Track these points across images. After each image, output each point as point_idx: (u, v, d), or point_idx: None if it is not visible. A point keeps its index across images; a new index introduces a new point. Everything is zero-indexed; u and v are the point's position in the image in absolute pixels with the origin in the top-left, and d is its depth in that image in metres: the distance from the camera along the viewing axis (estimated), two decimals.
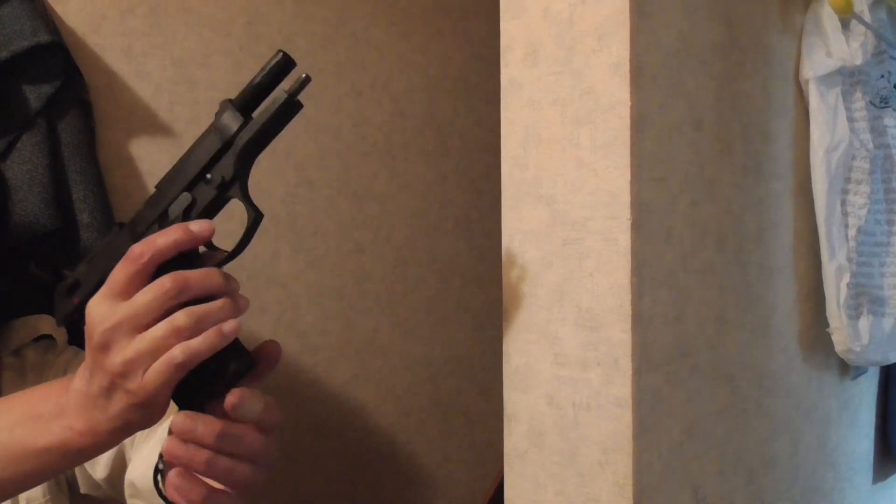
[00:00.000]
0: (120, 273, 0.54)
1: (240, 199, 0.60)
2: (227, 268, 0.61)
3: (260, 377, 0.61)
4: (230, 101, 0.60)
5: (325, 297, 1.54)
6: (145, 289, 0.54)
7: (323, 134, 1.51)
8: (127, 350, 0.53)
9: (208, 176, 0.59)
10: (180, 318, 0.53)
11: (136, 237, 0.59)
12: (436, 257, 1.76)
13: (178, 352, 0.53)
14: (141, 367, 0.53)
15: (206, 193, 0.60)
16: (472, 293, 1.86)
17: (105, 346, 0.53)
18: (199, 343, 0.53)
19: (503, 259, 0.79)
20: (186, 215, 0.59)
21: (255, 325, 1.43)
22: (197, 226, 0.56)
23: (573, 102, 0.71)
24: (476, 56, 1.83)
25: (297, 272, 1.48)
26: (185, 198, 0.59)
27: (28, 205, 1.04)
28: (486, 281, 1.88)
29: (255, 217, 0.61)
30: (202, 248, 0.61)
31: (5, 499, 0.58)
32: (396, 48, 1.65)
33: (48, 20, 1.13)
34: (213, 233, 0.57)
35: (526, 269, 0.76)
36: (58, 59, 1.10)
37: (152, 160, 1.28)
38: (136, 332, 0.53)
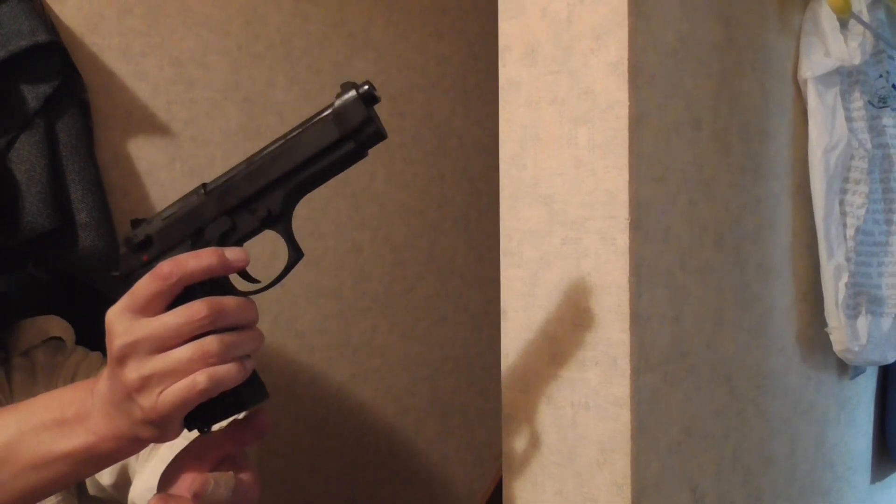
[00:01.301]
0: (144, 289, 0.52)
1: (282, 236, 0.58)
2: None
3: (246, 444, 0.59)
4: (357, 91, 0.57)
5: (323, 296, 1.54)
6: (178, 310, 0.52)
7: None
8: (144, 367, 0.52)
9: (253, 206, 0.57)
10: (213, 344, 0.52)
11: (224, 209, 0.56)
12: (434, 257, 1.76)
13: (202, 378, 0.51)
14: (158, 387, 0.52)
15: (248, 223, 0.57)
16: (471, 293, 1.86)
17: (122, 360, 0.52)
18: (225, 373, 0.52)
19: (501, 259, 0.79)
20: (222, 241, 0.57)
21: None
22: (232, 254, 0.55)
23: (571, 102, 0.71)
24: (474, 56, 1.83)
25: (295, 272, 1.47)
26: (225, 222, 0.57)
27: (26, 204, 1.04)
28: (485, 280, 1.87)
29: (296, 258, 0.61)
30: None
31: None
32: (394, 48, 1.65)
33: (46, 20, 1.12)
34: (247, 263, 0.55)
35: (524, 268, 0.76)
36: (56, 58, 1.10)
37: (150, 159, 1.28)
38: (156, 351, 0.52)
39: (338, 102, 0.57)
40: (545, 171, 0.73)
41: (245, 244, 0.59)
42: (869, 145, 0.98)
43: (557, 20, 0.72)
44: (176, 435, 0.55)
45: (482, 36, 1.84)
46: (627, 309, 0.67)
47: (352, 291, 1.60)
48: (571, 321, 0.72)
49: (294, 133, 0.57)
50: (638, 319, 0.68)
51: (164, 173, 1.28)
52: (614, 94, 0.67)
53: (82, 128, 1.14)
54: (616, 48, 0.67)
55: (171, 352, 0.52)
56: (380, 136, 0.58)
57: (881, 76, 1.02)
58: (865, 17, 0.94)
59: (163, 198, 1.26)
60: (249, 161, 0.57)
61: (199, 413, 0.55)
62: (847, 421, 1.10)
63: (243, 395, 0.55)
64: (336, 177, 0.59)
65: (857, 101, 0.98)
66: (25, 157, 1.06)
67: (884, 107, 1.02)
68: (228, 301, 0.54)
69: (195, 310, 0.52)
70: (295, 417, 1.51)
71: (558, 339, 0.73)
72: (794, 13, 0.94)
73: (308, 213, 1.50)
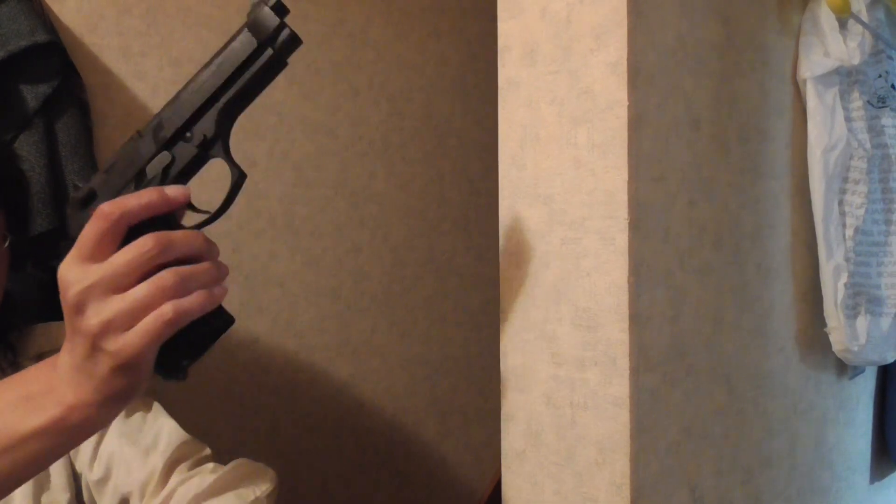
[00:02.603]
0: (89, 233, 0.52)
1: (223, 159, 0.59)
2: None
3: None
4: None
5: (322, 296, 1.54)
6: (125, 249, 0.52)
7: (320, 134, 1.51)
8: (104, 310, 0.51)
9: (188, 134, 0.57)
10: (168, 277, 0.52)
11: (160, 144, 0.57)
12: (433, 257, 1.76)
13: (168, 308, 0.51)
14: (121, 327, 0.51)
15: (186, 152, 0.58)
16: (470, 293, 1.86)
17: (80, 308, 0.51)
18: (191, 303, 0.52)
19: (500, 258, 0.79)
20: (165, 175, 0.57)
21: (253, 325, 1.43)
22: (172, 190, 0.55)
23: (571, 102, 0.71)
24: (473, 56, 1.83)
25: (294, 272, 1.48)
26: (165, 157, 0.57)
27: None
28: (484, 280, 1.87)
29: (239, 177, 0.60)
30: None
31: (4, 493, 0.55)
32: (394, 48, 1.65)
33: (45, 20, 1.12)
34: (188, 198, 0.55)
35: (523, 268, 0.76)
36: (55, 58, 1.10)
37: None
38: (112, 292, 0.51)
39: (251, 16, 0.58)
40: (544, 171, 0.73)
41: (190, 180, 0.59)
42: (868, 145, 0.98)
43: (557, 20, 0.72)
44: (146, 380, 0.55)
45: (481, 36, 1.84)
46: (627, 309, 0.67)
47: (351, 291, 1.60)
48: (570, 321, 0.72)
49: (215, 55, 0.59)
50: (637, 319, 0.68)
51: None
52: (614, 94, 0.67)
53: (82, 128, 1.14)
54: (615, 48, 0.67)
55: (129, 291, 0.51)
56: (296, 40, 0.59)
57: (880, 76, 1.02)
58: (864, 16, 0.94)
59: None
60: (177, 93, 0.59)
61: (169, 352, 0.55)
62: (846, 421, 1.10)
63: (210, 325, 0.56)
64: (262, 91, 0.60)
65: (857, 102, 0.98)
66: (25, 158, 1.06)
67: (883, 107, 1.02)
68: (174, 233, 0.53)
69: (142, 242, 0.52)
70: (294, 417, 1.51)
71: (557, 339, 0.73)
72: (794, 13, 0.94)
73: (307, 212, 1.50)
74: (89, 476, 0.88)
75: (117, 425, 0.89)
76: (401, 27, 1.66)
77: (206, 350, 0.56)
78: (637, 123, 0.68)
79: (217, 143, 0.58)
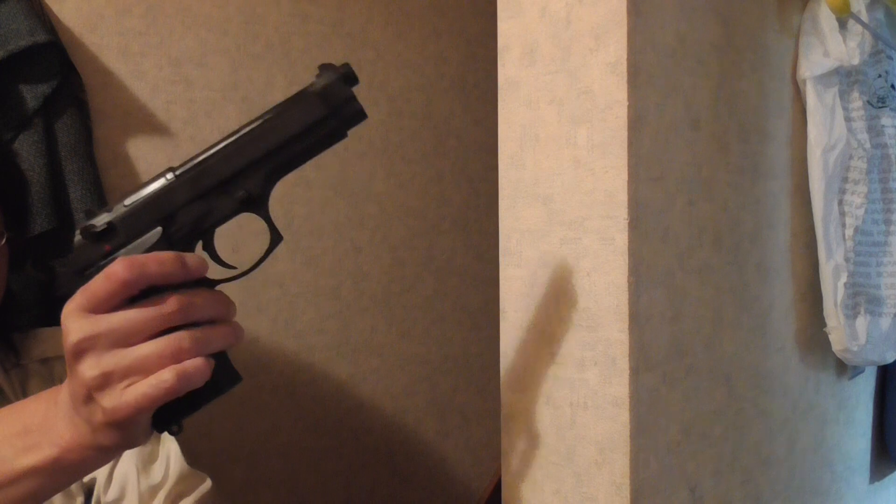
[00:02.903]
0: (100, 290, 0.48)
1: (262, 218, 0.56)
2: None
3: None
4: (337, 73, 0.56)
5: (322, 296, 1.54)
6: (144, 305, 0.48)
7: None
8: (105, 362, 0.48)
9: (231, 187, 0.54)
10: (185, 340, 0.48)
11: (198, 192, 0.53)
12: (433, 257, 1.76)
13: (169, 375, 0.47)
14: (120, 383, 0.48)
15: (224, 205, 0.54)
16: (470, 293, 1.85)
17: (80, 356, 0.49)
18: (194, 370, 0.48)
19: (500, 258, 0.78)
20: (196, 226, 0.53)
21: (253, 325, 1.43)
22: (193, 260, 0.51)
23: (570, 102, 0.71)
24: (473, 55, 1.82)
25: (294, 272, 1.48)
26: (201, 206, 0.53)
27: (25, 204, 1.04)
28: (484, 280, 1.87)
29: (276, 240, 0.57)
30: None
31: None
32: (393, 48, 1.65)
33: (45, 19, 1.12)
34: (205, 272, 0.52)
35: (523, 268, 0.76)
36: (55, 58, 1.10)
37: (149, 159, 1.28)
38: (119, 345, 0.48)
39: (320, 81, 0.56)
40: (544, 171, 0.73)
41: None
42: (868, 145, 0.98)
43: (556, 20, 0.72)
44: (144, 440, 0.52)
45: (481, 36, 1.84)
46: (626, 309, 0.67)
47: (350, 291, 1.60)
48: (570, 321, 0.72)
49: (276, 111, 0.55)
50: (637, 319, 0.68)
51: None
52: (613, 93, 0.67)
53: (81, 128, 1.14)
54: (615, 48, 0.67)
55: (135, 346, 0.48)
56: (362, 114, 0.57)
57: (880, 76, 1.02)
58: (864, 16, 0.94)
59: None
60: (225, 141, 0.55)
61: (167, 411, 0.51)
62: (846, 421, 1.11)
63: (212, 383, 0.51)
64: (314, 157, 0.57)
65: (856, 101, 0.98)
66: (24, 157, 1.06)
67: (882, 107, 1.02)
68: (199, 296, 0.50)
69: (163, 305, 0.48)
70: (294, 417, 1.51)
71: (557, 339, 0.73)
72: (793, 13, 0.94)
73: (307, 212, 1.50)
74: (104, 498, 0.89)
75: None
76: (400, 27, 1.66)
77: (202, 406, 0.52)
78: (636, 123, 0.68)
79: (259, 203, 0.55)
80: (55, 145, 1.10)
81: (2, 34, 1.04)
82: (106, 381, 0.48)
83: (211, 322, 0.51)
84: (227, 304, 0.52)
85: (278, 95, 1.45)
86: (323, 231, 1.53)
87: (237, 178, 0.54)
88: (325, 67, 0.57)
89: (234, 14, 1.39)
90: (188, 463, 0.92)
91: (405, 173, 1.69)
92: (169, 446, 0.92)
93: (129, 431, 0.50)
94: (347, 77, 0.57)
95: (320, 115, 0.55)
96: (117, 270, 0.48)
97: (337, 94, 0.56)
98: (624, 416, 0.68)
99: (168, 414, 0.51)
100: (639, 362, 0.69)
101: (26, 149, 1.06)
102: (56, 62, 1.10)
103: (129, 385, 0.48)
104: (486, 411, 1.90)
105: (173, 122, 1.31)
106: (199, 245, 0.55)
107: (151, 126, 1.29)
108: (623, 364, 0.68)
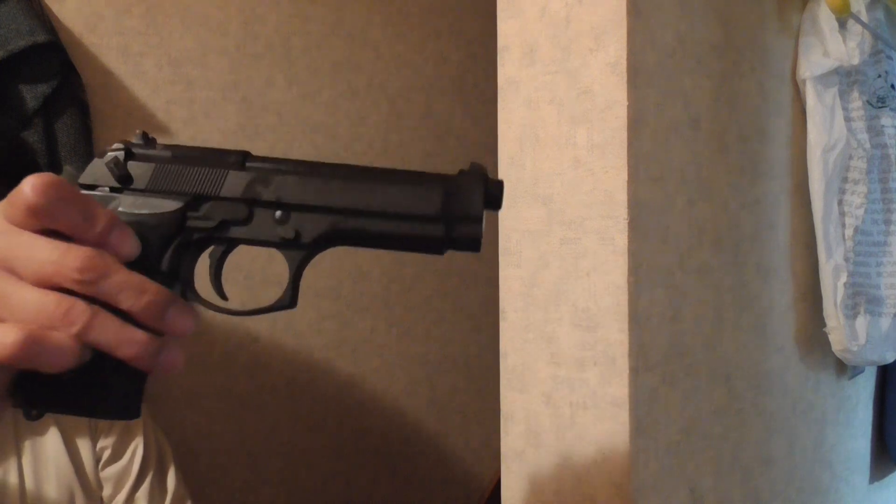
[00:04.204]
0: (14, 202, 0.37)
1: (290, 272, 0.45)
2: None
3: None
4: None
5: (321, 296, 1.54)
6: (58, 243, 0.37)
7: (320, 134, 1.51)
8: None
9: (286, 214, 0.43)
10: (82, 312, 0.37)
11: (249, 195, 0.43)
12: (433, 257, 1.76)
13: (15, 336, 0.35)
14: None
15: (263, 229, 0.43)
16: (469, 293, 1.86)
17: None
18: (52, 348, 0.36)
19: (500, 258, 0.78)
20: (218, 230, 0.43)
21: (253, 325, 1.43)
22: (121, 237, 0.39)
23: (570, 102, 0.71)
24: (473, 56, 1.82)
25: None
26: (240, 209, 0.43)
27: None
28: (483, 280, 1.87)
29: (285, 304, 0.46)
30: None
31: None
32: (393, 48, 1.65)
33: (45, 20, 1.12)
34: (128, 252, 0.40)
35: (523, 268, 0.76)
36: (55, 58, 1.10)
37: None
38: (3, 269, 0.37)
39: (460, 179, 0.45)
40: (544, 171, 0.73)
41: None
42: (868, 145, 0.98)
43: (556, 20, 0.72)
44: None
45: (481, 36, 1.84)
46: (626, 309, 0.67)
47: (350, 291, 1.60)
48: (570, 321, 0.72)
49: (390, 173, 0.45)
50: (636, 319, 0.68)
51: None
52: (613, 94, 0.67)
53: (81, 127, 1.14)
54: (615, 48, 0.67)
55: (22, 283, 0.37)
56: (474, 244, 0.45)
57: (880, 76, 1.02)
58: (864, 16, 0.94)
59: None
60: (316, 166, 0.44)
61: (34, 387, 0.40)
62: (846, 421, 1.11)
63: (85, 393, 0.40)
64: (388, 249, 0.46)
65: (856, 101, 0.98)
66: (24, 158, 1.06)
67: (882, 107, 1.02)
68: (130, 276, 0.38)
69: (76, 252, 0.37)
70: (293, 417, 1.51)
71: (557, 339, 0.73)
72: (793, 13, 0.94)
73: None
74: None
75: (147, 479, 0.97)
76: (400, 27, 1.66)
77: (73, 412, 0.41)
78: (636, 123, 0.68)
79: (300, 251, 0.44)
80: (55, 145, 1.10)
81: (2, 34, 1.04)
82: None
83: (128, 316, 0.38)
84: (166, 307, 0.39)
85: (278, 96, 1.45)
86: None
87: (300, 210, 0.44)
88: (476, 166, 0.46)
89: (233, 14, 1.39)
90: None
91: None
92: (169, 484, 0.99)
93: None
94: (490, 196, 0.45)
95: (428, 213, 0.44)
96: (26, 189, 0.37)
97: (465, 204, 0.44)
98: (624, 416, 0.68)
99: (34, 392, 0.40)
100: (638, 362, 0.69)
101: (26, 149, 1.06)
102: (56, 62, 1.10)
103: None
104: (486, 411, 1.90)
105: (173, 122, 1.31)
106: (209, 250, 0.45)
107: (151, 126, 1.29)
108: (623, 364, 0.68)
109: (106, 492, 0.94)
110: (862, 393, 1.15)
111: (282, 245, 0.44)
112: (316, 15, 1.51)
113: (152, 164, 0.43)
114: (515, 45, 0.76)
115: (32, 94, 1.07)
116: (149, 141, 0.44)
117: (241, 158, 0.44)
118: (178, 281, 0.43)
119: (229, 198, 0.43)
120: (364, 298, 1.62)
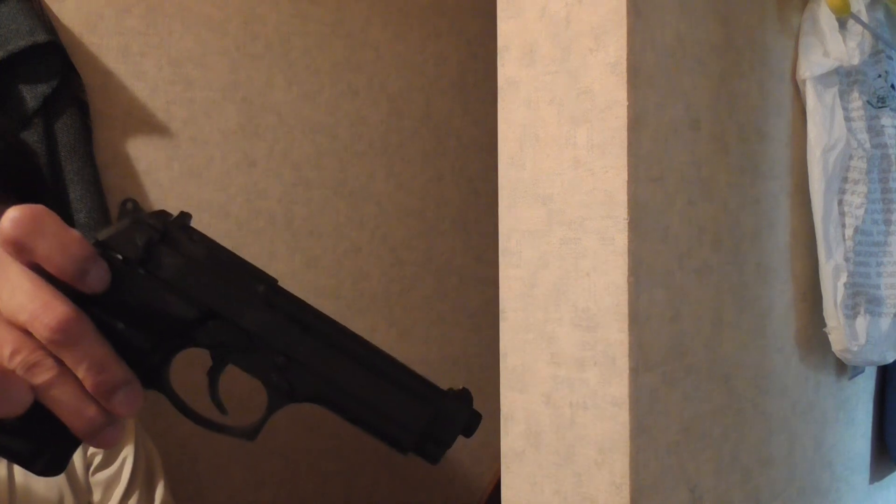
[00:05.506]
0: (18, 234, 0.36)
1: (266, 409, 0.45)
2: None
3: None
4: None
5: (321, 296, 1.54)
6: (36, 289, 0.36)
7: (320, 134, 1.51)
8: None
9: (284, 360, 0.44)
10: (47, 367, 0.36)
11: (256, 327, 0.43)
12: (432, 257, 1.76)
13: None
14: None
15: (261, 368, 0.43)
16: (469, 293, 1.85)
17: None
18: (4, 392, 0.35)
19: (500, 259, 0.78)
20: (225, 349, 0.43)
21: None
22: (96, 274, 0.38)
23: (570, 102, 0.71)
24: (473, 56, 1.83)
25: (293, 272, 1.48)
26: (242, 338, 0.43)
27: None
28: (483, 281, 1.87)
29: (248, 436, 0.46)
30: None
31: None
32: (393, 48, 1.65)
33: (45, 20, 1.12)
34: (101, 290, 0.38)
35: (523, 268, 0.76)
36: (55, 58, 1.10)
37: (149, 159, 1.28)
38: None
39: (450, 403, 0.47)
40: (544, 171, 0.73)
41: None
42: (868, 145, 0.98)
43: (556, 20, 0.72)
44: None
45: (481, 36, 1.84)
46: (626, 309, 0.67)
47: (350, 291, 1.60)
48: (570, 321, 0.72)
49: (398, 372, 0.48)
50: (636, 319, 0.68)
51: (163, 173, 1.28)
52: (613, 94, 0.67)
53: (81, 128, 1.14)
54: (615, 48, 0.67)
55: None
56: (434, 460, 0.47)
57: (880, 76, 1.02)
58: (864, 16, 0.94)
59: (161, 198, 1.26)
60: (335, 335, 0.46)
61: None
62: (846, 421, 1.11)
63: (30, 450, 0.39)
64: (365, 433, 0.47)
65: (856, 101, 0.98)
66: None
67: (882, 107, 1.02)
68: (100, 356, 0.37)
69: (55, 316, 0.35)
70: (293, 417, 1.51)
71: (557, 339, 0.73)
72: (793, 13, 0.94)
73: (307, 212, 1.50)
74: None
75: (136, 491, 0.98)
76: (400, 27, 1.66)
77: (10, 460, 0.39)
78: (636, 123, 0.68)
79: (285, 400, 0.44)
80: (55, 145, 1.10)
81: (2, 34, 1.04)
82: None
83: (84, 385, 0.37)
84: (117, 391, 0.38)
85: (278, 96, 1.45)
86: (322, 231, 1.53)
87: (303, 370, 0.44)
88: (466, 394, 0.49)
89: (233, 14, 1.39)
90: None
91: (405, 173, 1.69)
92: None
93: None
94: (468, 429, 0.48)
95: (411, 426, 0.46)
96: (4, 222, 0.36)
97: (445, 430, 0.47)
98: (623, 416, 0.68)
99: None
100: (638, 362, 0.69)
101: (27, 149, 1.06)
102: (56, 62, 1.10)
103: None
104: (486, 411, 1.89)
105: (173, 122, 1.31)
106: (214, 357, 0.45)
107: (151, 126, 1.29)
108: (623, 364, 0.68)
109: (95, 497, 0.94)
110: (862, 393, 1.15)
111: (270, 386, 0.44)
112: (316, 15, 1.51)
113: (183, 260, 0.41)
114: (515, 45, 0.76)
115: (32, 94, 1.08)
116: (187, 228, 0.42)
117: (270, 291, 0.44)
118: (154, 366, 0.42)
119: (244, 329, 0.43)
120: (364, 299, 1.62)
